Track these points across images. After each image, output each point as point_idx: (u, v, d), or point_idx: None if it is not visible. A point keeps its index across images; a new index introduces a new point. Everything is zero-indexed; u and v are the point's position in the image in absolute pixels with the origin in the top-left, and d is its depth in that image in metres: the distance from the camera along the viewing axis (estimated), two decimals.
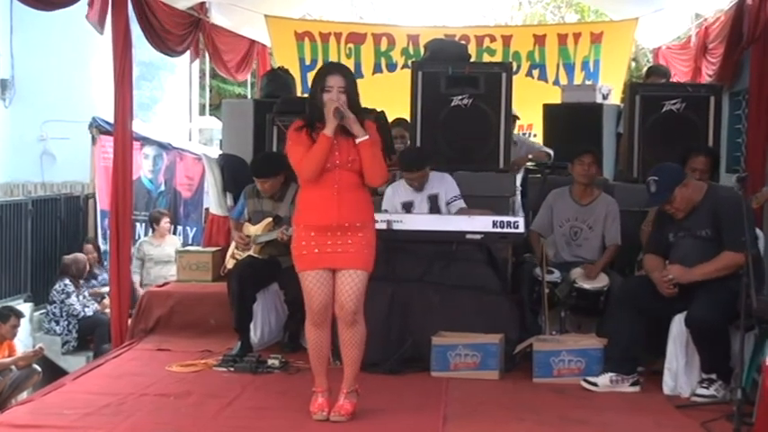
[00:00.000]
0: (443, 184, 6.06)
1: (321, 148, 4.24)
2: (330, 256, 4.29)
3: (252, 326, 5.91)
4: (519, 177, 7.30)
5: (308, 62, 10.66)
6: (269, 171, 5.96)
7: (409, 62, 9.37)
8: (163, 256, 9.48)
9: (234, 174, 7.52)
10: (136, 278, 9.14)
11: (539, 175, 6.96)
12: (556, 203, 6.08)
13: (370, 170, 4.30)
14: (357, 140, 4.27)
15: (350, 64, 10.64)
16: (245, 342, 5.74)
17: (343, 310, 4.29)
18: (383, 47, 10.76)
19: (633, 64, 14.36)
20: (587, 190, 6.03)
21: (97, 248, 9.94)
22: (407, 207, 6.02)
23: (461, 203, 5.98)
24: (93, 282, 9.63)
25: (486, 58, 10.41)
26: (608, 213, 5.94)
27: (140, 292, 8.46)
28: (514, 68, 8.15)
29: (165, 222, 9.81)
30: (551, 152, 7.29)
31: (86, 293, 9.33)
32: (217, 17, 9.32)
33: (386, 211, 5.93)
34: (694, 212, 4.92)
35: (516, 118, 7.72)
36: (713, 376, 4.73)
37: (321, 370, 4.42)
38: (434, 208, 5.96)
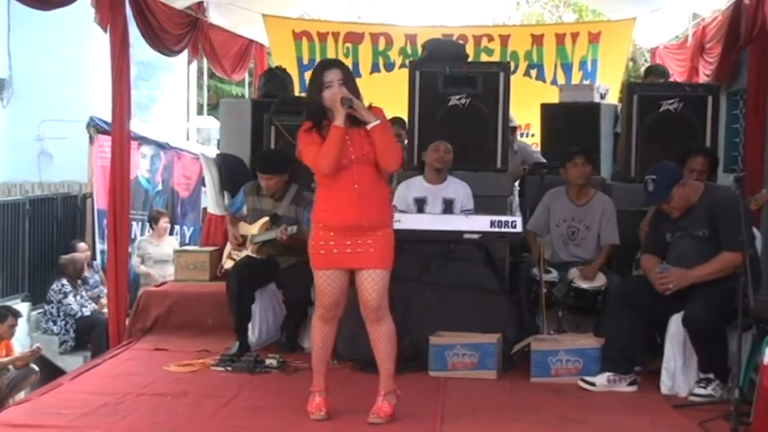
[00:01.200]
0: (461, 192, 6.06)
1: (334, 139, 4.20)
2: (349, 257, 4.26)
3: (249, 326, 5.90)
4: None
5: (305, 61, 10.65)
6: (275, 168, 5.97)
7: (407, 62, 9.38)
8: (161, 255, 9.48)
9: (231, 173, 7.52)
10: (143, 268, 9.43)
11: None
12: (552, 203, 6.07)
13: (384, 155, 4.24)
14: (369, 126, 4.22)
15: (348, 63, 10.60)
16: (243, 342, 5.74)
17: (367, 307, 4.29)
18: (381, 46, 10.77)
19: (631, 64, 14.37)
20: (583, 190, 6.03)
21: (92, 248, 9.94)
22: (420, 203, 6.02)
23: None
24: (87, 286, 9.60)
25: (484, 57, 10.42)
26: (603, 212, 5.94)
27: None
28: (512, 68, 8.16)
29: (163, 222, 9.81)
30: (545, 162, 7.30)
31: (84, 293, 9.32)
32: (214, 17, 9.31)
33: (394, 206, 5.90)
34: (692, 212, 4.92)
35: (513, 128, 7.71)
36: (711, 376, 4.73)
37: (321, 369, 4.41)
38: (448, 211, 5.95)
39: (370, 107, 4.29)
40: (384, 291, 4.29)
